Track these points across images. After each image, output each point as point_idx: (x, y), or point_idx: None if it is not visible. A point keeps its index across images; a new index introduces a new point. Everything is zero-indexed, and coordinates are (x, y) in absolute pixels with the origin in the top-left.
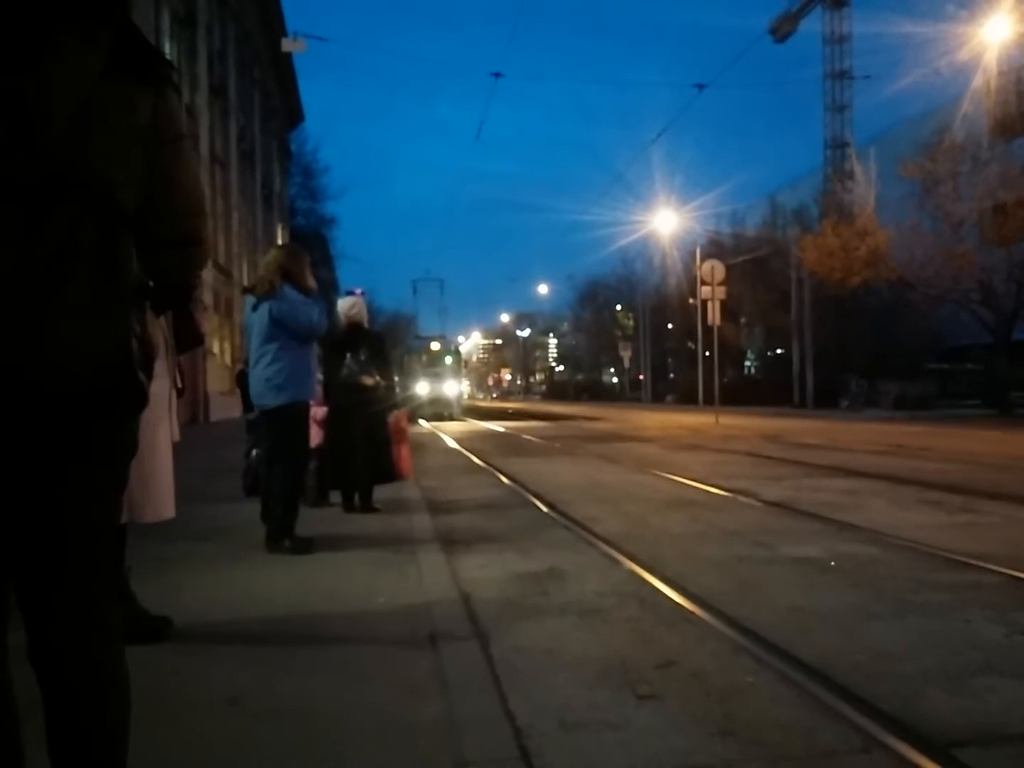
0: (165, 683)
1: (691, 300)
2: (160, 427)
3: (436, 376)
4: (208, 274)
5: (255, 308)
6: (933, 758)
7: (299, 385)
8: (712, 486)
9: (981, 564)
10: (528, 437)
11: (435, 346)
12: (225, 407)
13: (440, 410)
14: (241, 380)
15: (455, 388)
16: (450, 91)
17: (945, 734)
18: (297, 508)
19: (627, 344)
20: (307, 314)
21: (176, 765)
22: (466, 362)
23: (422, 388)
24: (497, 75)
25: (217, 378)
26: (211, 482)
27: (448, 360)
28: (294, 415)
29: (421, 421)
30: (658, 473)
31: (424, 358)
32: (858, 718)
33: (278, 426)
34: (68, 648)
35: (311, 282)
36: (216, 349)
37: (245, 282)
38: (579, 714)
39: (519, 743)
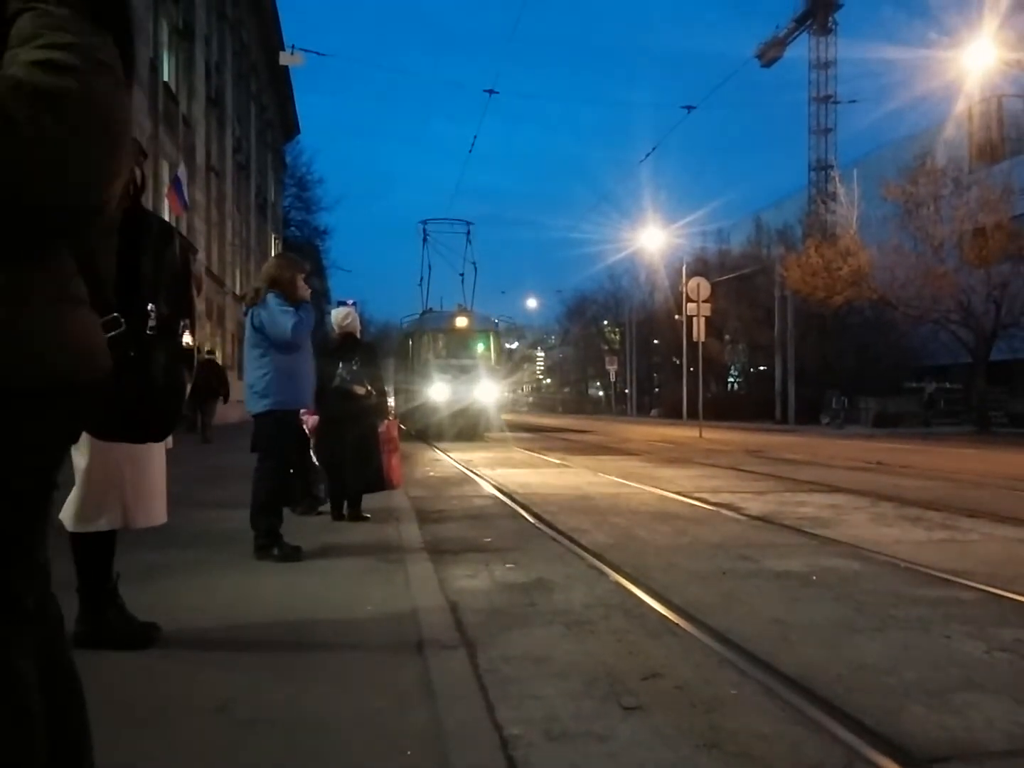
0: (153, 690)
1: (677, 316)
2: None
3: (462, 372)
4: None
5: (247, 315)
6: None
7: (281, 392)
8: (696, 499)
9: (960, 580)
10: (515, 448)
11: (461, 323)
12: (217, 413)
13: (468, 426)
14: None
15: (492, 391)
16: (445, 107)
17: (926, 749)
18: (280, 514)
19: (613, 358)
20: (283, 322)
21: None
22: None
23: (438, 392)
24: (491, 92)
25: None
26: (200, 489)
27: (481, 347)
28: (274, 422)
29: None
30: (643, 486)
31: (441, 343)
32: (841, 731)
33: (260, 432)
34: (50, 646)
35: (301, 291)
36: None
37: (238, 291)
38: (565, 725)
39: (506, 753)
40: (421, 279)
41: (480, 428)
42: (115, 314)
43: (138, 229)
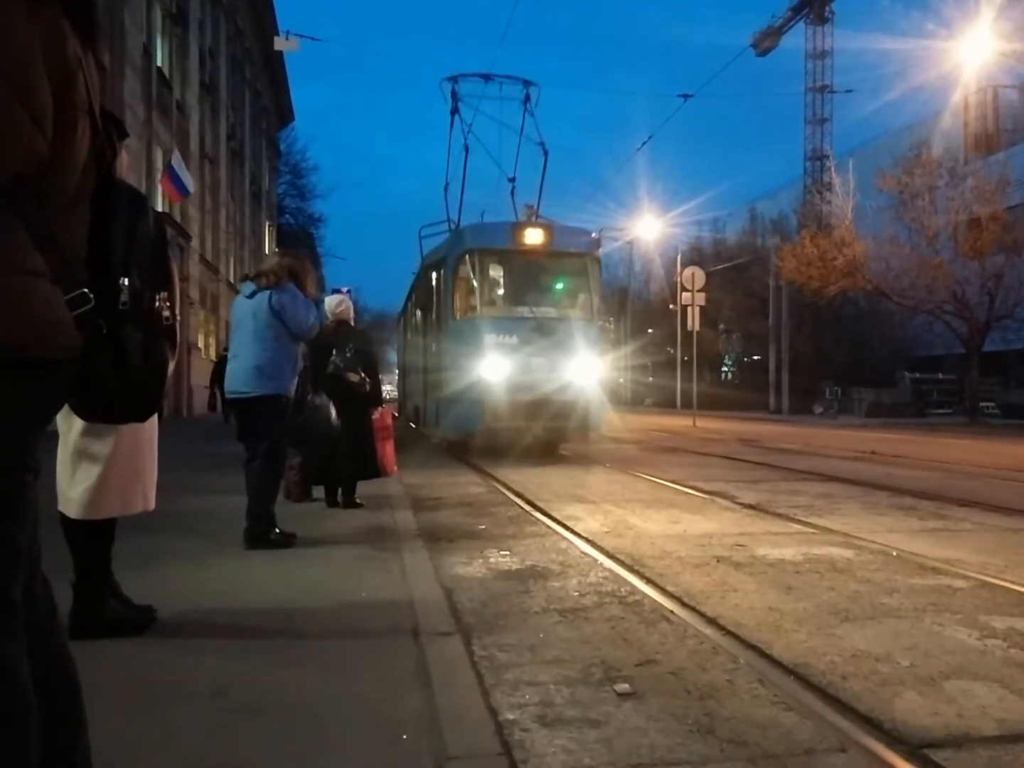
0: (148, 675)
1: (672, 305)
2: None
3: (538, 332)
4: (195, 269)
5: (251, 295)
6: (908, 758)
7: (285, 378)
8: (690, 488)
9: (953, 569)
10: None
11: (534, 239)
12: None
13: (553, 429)
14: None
15: (591, 367)
16: (442, 94)
17: (919, 735)
18: (275, 499)
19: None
20: (305, 312)
21: (159, 757)
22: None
23: (494, 368)
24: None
25: (201, 372)
26: (193, 476)
27: (568, 285)
28: (280, 406)
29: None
30: (638, 474)
31: (498, 279)
32: (835, 717)
33: (264, 416)
34: (42, 633)
35: (312, 290)
36: (201, 344)
37: (232, 278)
38: (560, 710)
39: (501, 738)
40: (447, 185)
41: (570, 433)
42: (83, 290)
43: (108, 201)
